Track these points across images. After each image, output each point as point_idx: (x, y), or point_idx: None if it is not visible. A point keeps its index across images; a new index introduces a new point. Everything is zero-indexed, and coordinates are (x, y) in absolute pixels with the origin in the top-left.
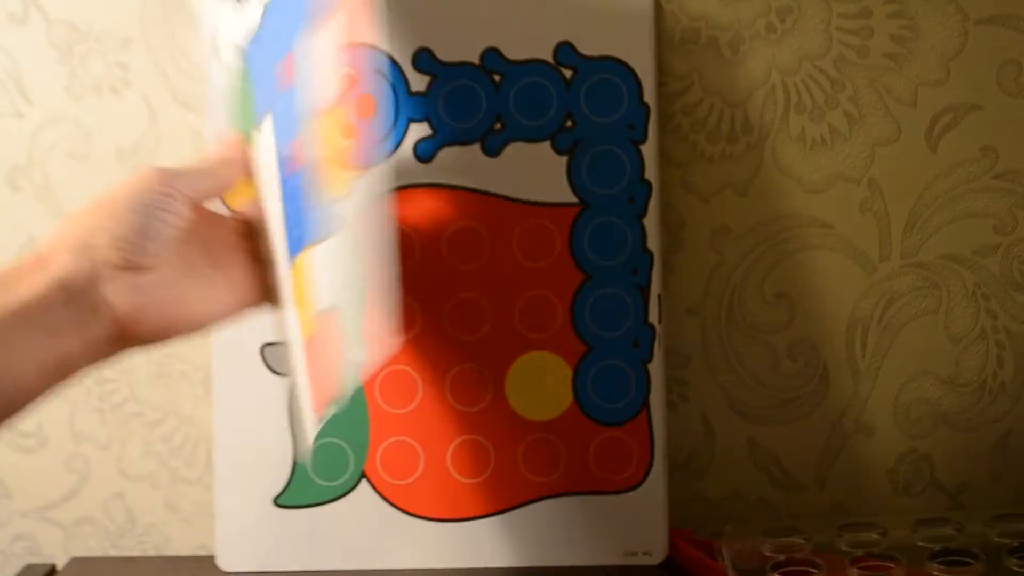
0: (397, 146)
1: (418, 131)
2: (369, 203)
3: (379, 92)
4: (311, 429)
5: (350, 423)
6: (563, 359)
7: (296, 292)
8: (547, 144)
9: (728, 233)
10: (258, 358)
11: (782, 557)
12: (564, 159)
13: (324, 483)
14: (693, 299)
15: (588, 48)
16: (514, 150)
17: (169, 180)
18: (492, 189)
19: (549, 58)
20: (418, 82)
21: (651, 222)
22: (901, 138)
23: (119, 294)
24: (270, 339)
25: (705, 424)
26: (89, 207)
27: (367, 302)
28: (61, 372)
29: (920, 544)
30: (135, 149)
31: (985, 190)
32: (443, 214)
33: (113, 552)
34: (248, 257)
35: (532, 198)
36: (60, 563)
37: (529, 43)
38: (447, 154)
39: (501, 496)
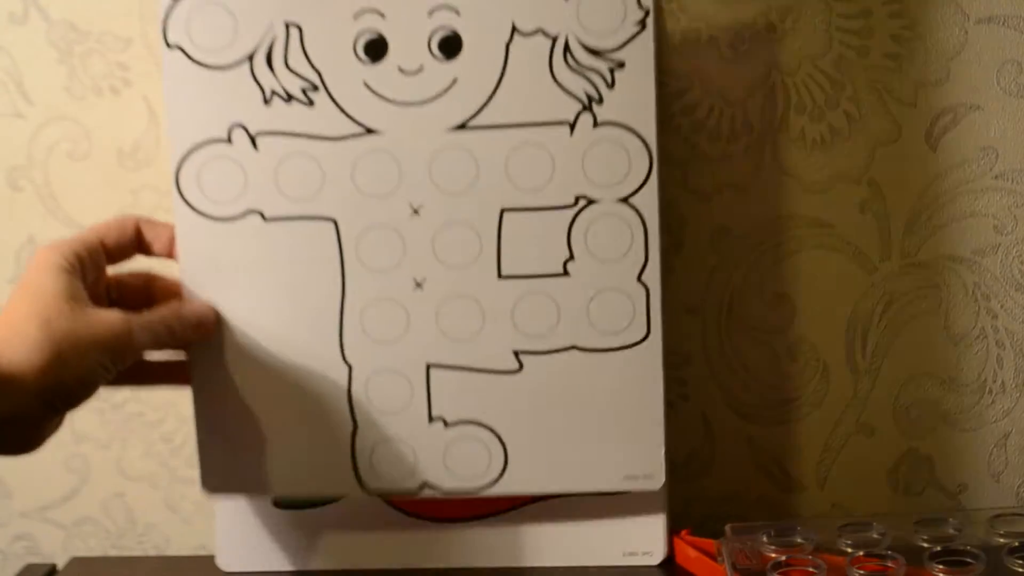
0: None
1: None
2: None
3: None
4: None
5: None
6: None
7: None
8: None
9: (728, 233)
10: None
11: (782, 557)
12: None
13: None
14: (693, 299)
15: None
16: None
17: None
18: None
19: None
20: None
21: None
22: (901, 138)
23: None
24: None
25: (705, 424)
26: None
27: None
28: None
29: (920, 544)
30: (135, 149)
31: (985, 190)
32: None
33: (113, 552)
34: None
35: None
36: (60, 563)
37: None
38: None
39: (502, 496)
